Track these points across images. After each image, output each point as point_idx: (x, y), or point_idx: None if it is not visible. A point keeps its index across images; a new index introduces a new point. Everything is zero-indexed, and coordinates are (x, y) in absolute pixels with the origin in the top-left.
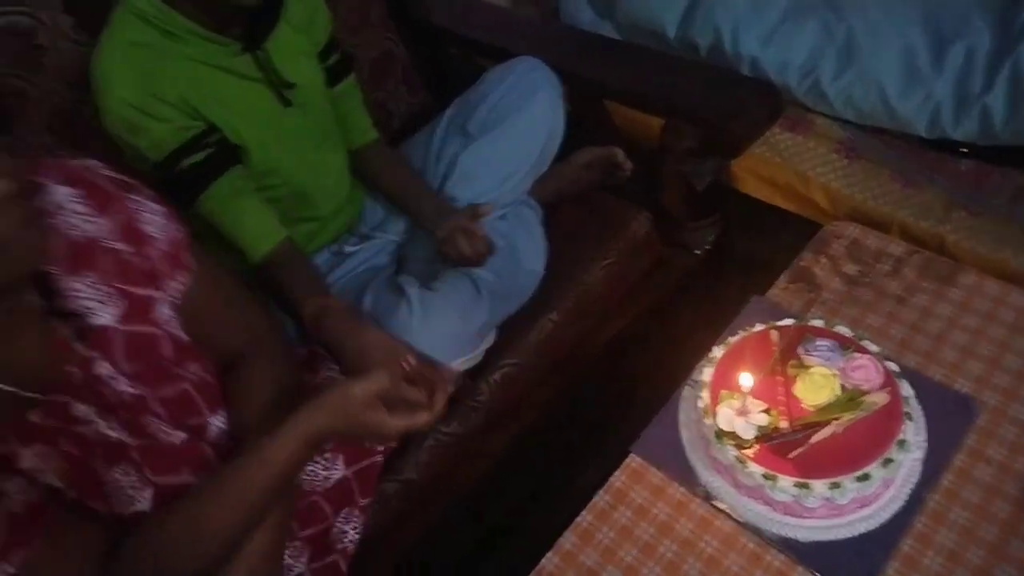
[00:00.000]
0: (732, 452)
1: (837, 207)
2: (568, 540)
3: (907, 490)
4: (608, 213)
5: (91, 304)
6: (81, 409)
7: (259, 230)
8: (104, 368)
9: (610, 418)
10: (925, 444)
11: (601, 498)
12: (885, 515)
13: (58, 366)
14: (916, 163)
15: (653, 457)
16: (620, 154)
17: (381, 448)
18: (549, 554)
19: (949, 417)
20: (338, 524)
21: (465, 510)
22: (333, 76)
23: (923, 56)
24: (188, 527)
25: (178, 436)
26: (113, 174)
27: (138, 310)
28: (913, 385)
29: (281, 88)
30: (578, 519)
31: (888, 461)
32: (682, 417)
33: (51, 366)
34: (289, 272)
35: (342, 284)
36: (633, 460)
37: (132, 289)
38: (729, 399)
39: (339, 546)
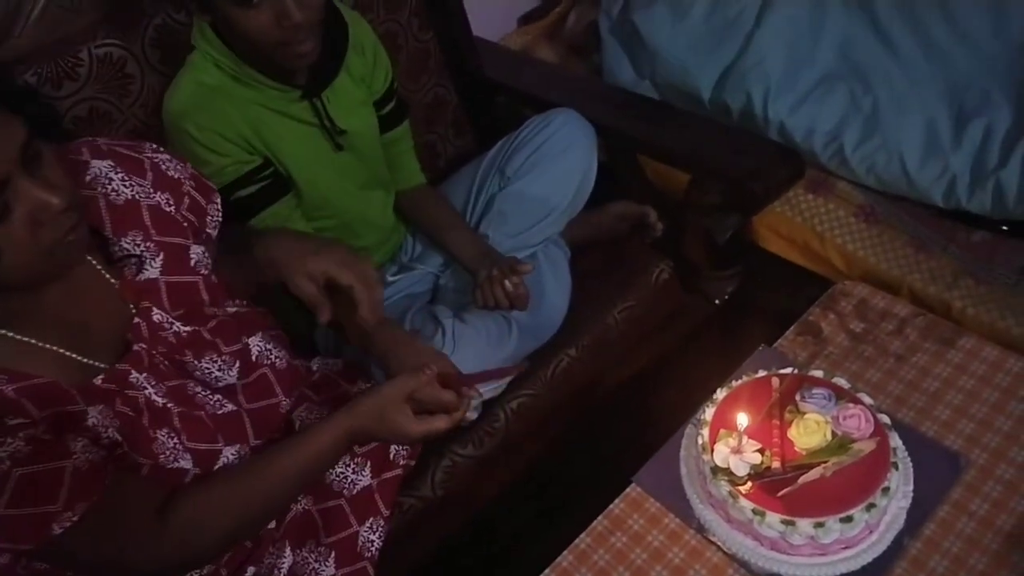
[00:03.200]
0: (725, 487)
1: (851, 268)
2: (566, 560)
3: (890, 536)
4: (632, 259)
5: (141, 259)
6: (136, 377)
7: None
8: (159, 315)
9: (618, 450)
10: (911, 494)
11: (600, 523)
12: (867, 558)
13: (117, 326)
14: (931, 231)
15: (652, 488)
16: (653, 215)
17: (402, 462)
18: (547, 571)
19: (937, 471)
20: (364, 533)
21: (476, 528)
22: (387, 123)
23: (943, 130)
24: (225, 499)
25: (215, 400)
26: (120, 141)
27: (175, 260)
28: (904, 438)
29: (334, 134)
30: (577, 541)
31: (871, 506)
32: (683, 453)
33: (110, 327)
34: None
35: None
36: (633, 490)
37: (170, 240)
38: (726, 437)
39: (367, 554)
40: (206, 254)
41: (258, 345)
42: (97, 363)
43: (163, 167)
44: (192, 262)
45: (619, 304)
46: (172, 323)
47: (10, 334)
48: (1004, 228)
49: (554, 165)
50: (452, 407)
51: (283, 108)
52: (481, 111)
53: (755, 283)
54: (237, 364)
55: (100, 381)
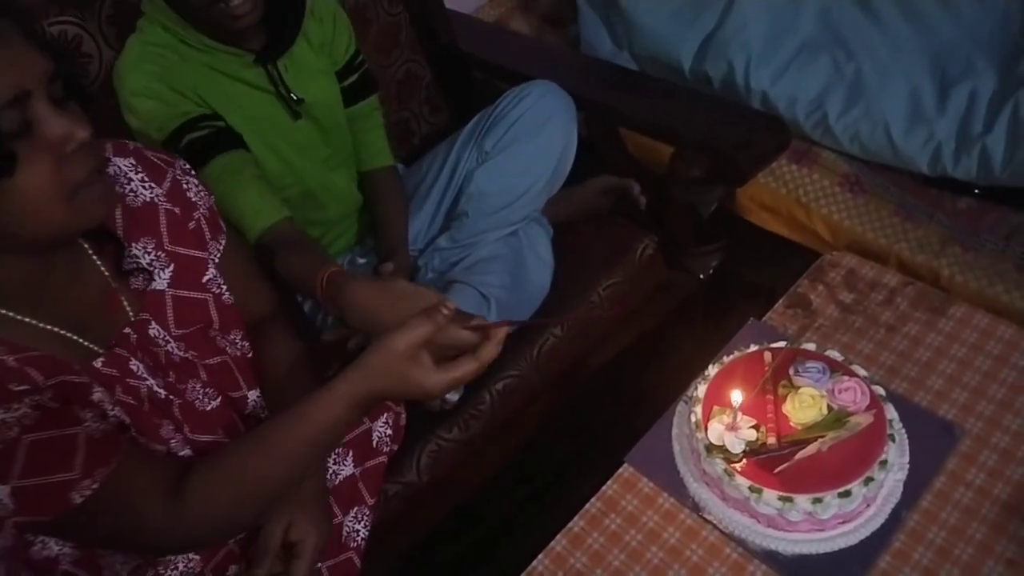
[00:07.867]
0: (721, 465)
1: (838, 238)
2: (559, 544)
3: (888, 509)
4: (615, 235)
5: (149, 268)
6: (136, 365)
7: (259, 206)
8: (155, 330)
9: (607, 430)
10: (907, 466)
11: (593, 505)
12: (865, 532)
13: (116, 327)
14: (917, 199)
15: (645, 468)
16: (636, 188)
17: (386, 449)
18: (540, 556)
19: (932, 441)
20: (349, 523)
21: (464, 513)
22: (349, 96)
23: (928, 97)
24: (239, 475)
25: (213, 404)
26: (153, 151)
27: (187, 273)
28: (899, 409)
29: (290, 102)
30: (570, 524)
31: (869, 480)
32: (675, 431)
33: (110, 325)
34: (293, 250)
35: None
36: (626, 470)
37: (183, 251)
38: (720, 415)
39: (353, 544)
40: (218, 277)
41: (255, 401)
42: (95, 346)
43: (184, 185)
44: (205, 279)
45: (603, 281)
46: (168, 341)
47: (9, 314)
48: (976, 192)
49: (533, 139)
50: (468, 349)
51: (235, 72)
52: (456, 87)
53: (740, 256)
54: (220, 399)
55: (100, 364)
